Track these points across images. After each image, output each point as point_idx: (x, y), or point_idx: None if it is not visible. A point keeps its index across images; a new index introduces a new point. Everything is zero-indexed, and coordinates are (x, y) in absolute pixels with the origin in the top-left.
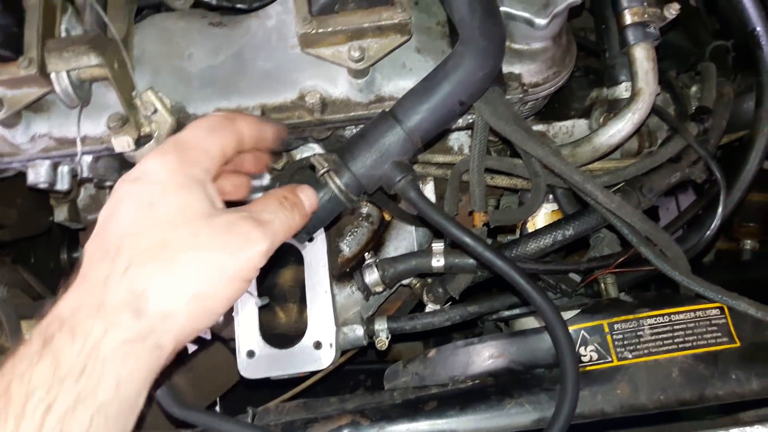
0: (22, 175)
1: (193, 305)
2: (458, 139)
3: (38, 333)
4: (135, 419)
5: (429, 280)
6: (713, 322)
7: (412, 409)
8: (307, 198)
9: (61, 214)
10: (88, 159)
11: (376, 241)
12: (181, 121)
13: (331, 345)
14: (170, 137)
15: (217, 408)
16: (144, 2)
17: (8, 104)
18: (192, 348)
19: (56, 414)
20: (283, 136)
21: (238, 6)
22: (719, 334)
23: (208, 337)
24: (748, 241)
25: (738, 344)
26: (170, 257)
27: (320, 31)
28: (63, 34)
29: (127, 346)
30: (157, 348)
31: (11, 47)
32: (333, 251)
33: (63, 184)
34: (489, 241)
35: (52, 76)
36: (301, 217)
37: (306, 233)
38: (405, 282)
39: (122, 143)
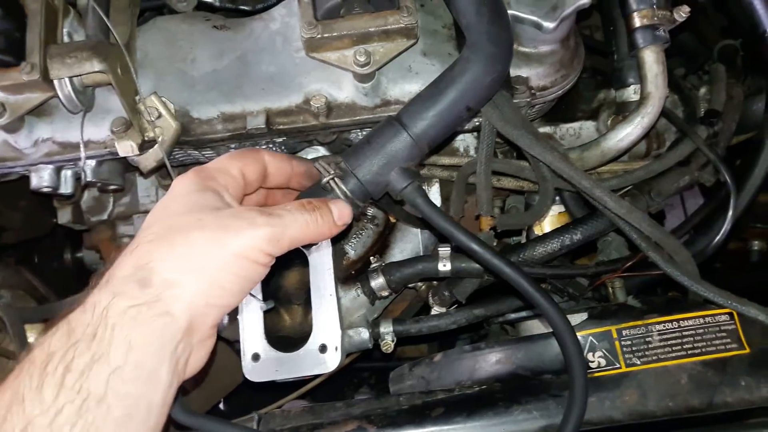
0: (25, 178)
1: (200, 277)
2: (464, 141)
3: (59, 319)
4: (161, 394)
5: (435, 282)
6: (722, 328)
7: (419, 415)
8: (338, 209)
9: (64, 216)
10: (91, 163)
11: (381, 244)
12: (185, 125)
13: (336, 348)
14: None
15: (221, 405)
16: (146, 4)
17: (11, 109)
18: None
19: (74, 374)
20: (313, 173)
21: (242, 8)
22: (728, 340)
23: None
24: (756, 242)
25: (747, 350)
26: (174, 237)
27: (325, 35)
28: (65, 38)
29: (133, 311)
30: (167, 315)
31: (13, 52)
32: (338, 254)
33: (66, 188)
34: (495, 242)
35: (55, 82)
36: (326, 223)
37: None
38: (410, 284)
39: (126, 148)
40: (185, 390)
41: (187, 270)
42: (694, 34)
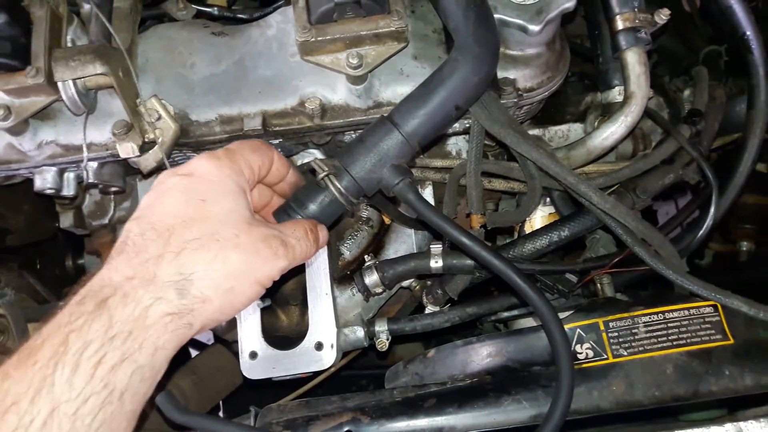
0: (29, 182)
1: (226, 297)
2: (456, 144)
3: (90, 295)
4: (154, 386)
5: (428, 282)
6: (707, 319)
7: (412, 407)
8: (323, 236)
9: (66, 221)
10: (93, 165)
11: (376, 245)
12: (184, 127)
13: (332, 346)
14: (223, 148)
15: (220, 412)
16: (147, 13)
17: (16, 112)
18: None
19: (105, 367)
20: (298, 182)
21: (240, 16)
22: (713, 331)
23: (211, 341)
24: (745, 243)
25: (731, 341)
26: (217, 251)
27: (319, 39)
28: (69, 45)
29: (167, 319)
30: (189, 326)
31: (19, 57)
32: (334, 254)
33: (69, 189)
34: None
35: (59, 84)
36: (315, 250)
37: None
38: (405, 284)
39: (127, 149)
40: (184, 390)
41: (219, 288)
42: (682, 43)
